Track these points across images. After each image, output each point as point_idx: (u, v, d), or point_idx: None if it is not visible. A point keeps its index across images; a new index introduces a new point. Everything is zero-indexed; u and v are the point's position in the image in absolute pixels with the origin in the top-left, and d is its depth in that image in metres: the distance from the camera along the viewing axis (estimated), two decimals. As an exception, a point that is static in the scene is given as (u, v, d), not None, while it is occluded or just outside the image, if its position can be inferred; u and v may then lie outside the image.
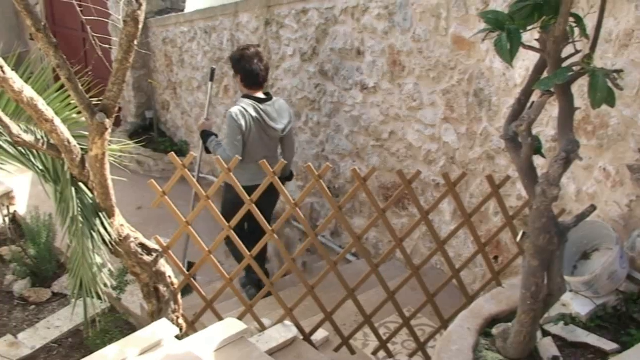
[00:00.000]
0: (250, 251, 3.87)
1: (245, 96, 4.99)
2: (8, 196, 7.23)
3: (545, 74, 2.31)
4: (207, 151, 5.24)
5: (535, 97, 2.42)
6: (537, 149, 2.45)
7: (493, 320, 2.98)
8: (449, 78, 4.71)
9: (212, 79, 5.83)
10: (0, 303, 6.23)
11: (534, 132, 2.45)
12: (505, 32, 2.14)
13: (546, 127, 3.82)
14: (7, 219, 7.02)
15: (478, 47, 4.40)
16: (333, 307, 3.95)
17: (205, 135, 5.19)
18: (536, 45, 2.29)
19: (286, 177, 5.33)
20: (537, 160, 2.58)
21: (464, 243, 4.88)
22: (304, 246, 3.90)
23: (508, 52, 2.12)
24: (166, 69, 8.46)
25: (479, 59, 4.43)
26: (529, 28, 2.20)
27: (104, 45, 3.66)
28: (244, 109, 4.87)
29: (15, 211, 7.28)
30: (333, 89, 5.76)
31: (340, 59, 5.61)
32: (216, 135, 5.16)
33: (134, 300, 5.83)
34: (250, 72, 4.94)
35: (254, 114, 4.88)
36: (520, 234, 2.54)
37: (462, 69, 4.58)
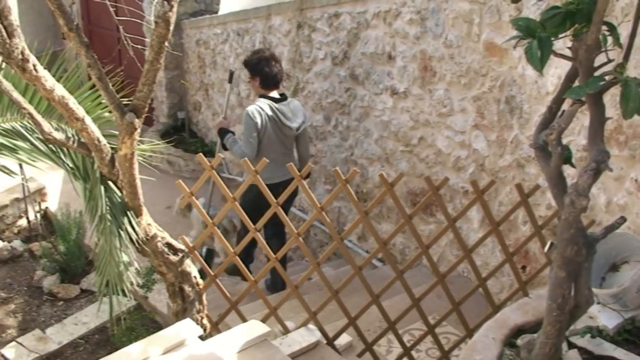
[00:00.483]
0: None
1: (262, 96, 5.17)
2: (40, 192, 7.34)
3: (576, 83, 2.28)
4: (224, 148, 5.39)
5: (566, 105, 2.39)
6: (567, 159, 2.41)
7: (518, 331, 2.94)
8: (480, 84, 4.67)
9: (230, 81, 6.09)
10: (30, 298, 6.32)
11: (565, 141, 2.42)
12: (536, 39, 2.11)
13: (577, 136, 3.76)
14: (38, 215, 7.12)
15: (510, 54, 4.36)
16: (357, 312, 3.93)
17: (223, 132, 5.37)
18: (568, 53, 2.26)
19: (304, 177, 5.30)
20: (567, 170, 2.54)
21: (492, 251, 4.83)
22: (329, 250, 3.89)
23: (538, 59, 2.09)
24: (199, 70, 8.52)
25: (511, 66, 4.38)
26: (560, 36, 2.17)
27: (136, 46, 3.69)
28: (260, 107, 5.04)
29: (46, 207, 7.39)
30: (363, 93, 5.75)
31: (371, 63, 5.60)
32: (233, 133, 5.33)
33: (160, 298, 5.88)
34: (268, 73, 5.15)
35: (270, 112, 5.06)
36: (548, 244, 2.50)
37: (494, 76, 4.54)
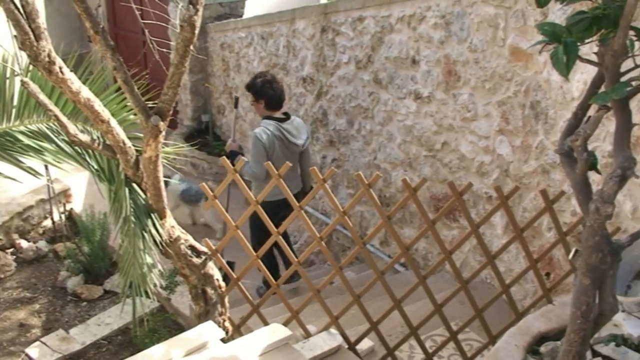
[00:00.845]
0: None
1: (267, 117, 5.39)
2: (65, 194, 7.41)
3: (602, 88, 2.26)
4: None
5: (592, 111, 2.37)
6: (592, 165, 2.39)
7: (542, 338, 2.92)
8: (505, 89, 4.64)
9: (236, 107, 6.34)
10: (54, 298, 6.38)
11: (590, 147, 2.39)
12: (562, 44, 2.10)
13: (603, 142, 3.73)
14: (63, 216, 7.19)
15: (535, 59, 4.33)
16: (379, 317, 3.92)
17: (233, 154, 5.56)
18: (594, 58, 2.24)
19: (305, 192, 5.49)
20: (593, 176, 2.52)
21: (516, 258, 4.80)
22: (352, 255, 3.89)
23: (564, 65, 2.08)
24: (223, 74, 8.57)
25: (536, 71, 4.36)
26: (587, 41, 2.15)
27: (161, 49, 3.72)
28: (267, 129, 5.28)
29: (71, 208, 7.46)
30: (387, 97, 5.75)
31: (395, 67, 5.60)
32: (242, 154, 5.55)
33: (183, 301, 5.91)
34: (272, 96, 5.38)
35: (276, 132, 5.29)
36: (573, 251, 2.49)
37: (519, 81, 4.52)
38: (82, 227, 6.67)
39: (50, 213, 7.18)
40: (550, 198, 3.65)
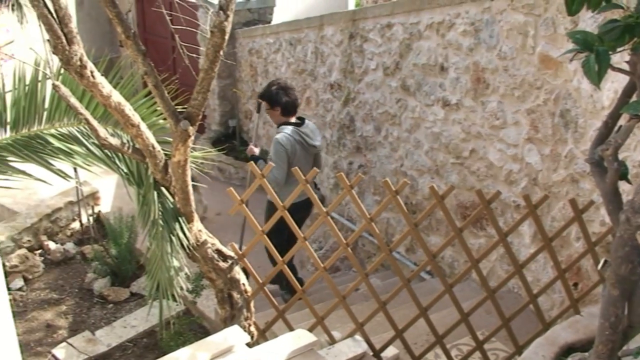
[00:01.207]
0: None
1: (284, 123, 5.53)
2: (94, 196, 7.50)
3: (634, 97, 2.24)
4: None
5: (623, 120, 2.35)
6: (623, 175, 2.38)
7: (569, 349, 2.90)
8: (535, 97, 4.62)
9: (258, 111, 6.46)
10: (81, 300, 6.45)
11: (621, 156, 2.38)
12: (593, 53, 2.09)
13: (633, 152, 3.69)
14: (91, 219, 7.27)
15: (565, 67, 4.30)
16: (404, 325, 3.92)
17: (254, 159, 5.72)
18: (626, 67, 2.23)
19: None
20: (623, 186, 2.50)
21: (543, 268, 4.76)
22: (377, 261, 3.89)
23: (596, 74, 2.07)
24: (250, 79, 8.62)
25: (566, 79, 4.33)
26: (618, 50, 2.14)
27: (191, 55, 3.76)
28: (288, 134, 5.42)
29: (99, 211, 7.54)
30: (414, 104, 5.74)
31: (423, 74, 5.59)
32: (264, 160, 5.64)
33: (208, 304, 5.94)
34: (288, 102, 5.51)
35: (296, 137, 5.44)
36: (602, 261, 2.47)
37: (549, 89, 4.49)
38: (109, 229, 6.74)
39: (79, 215, 7.27)
40: (580, 207, 3.62)
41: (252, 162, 3.87)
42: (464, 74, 5.18)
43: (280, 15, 8.95)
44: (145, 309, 6.21)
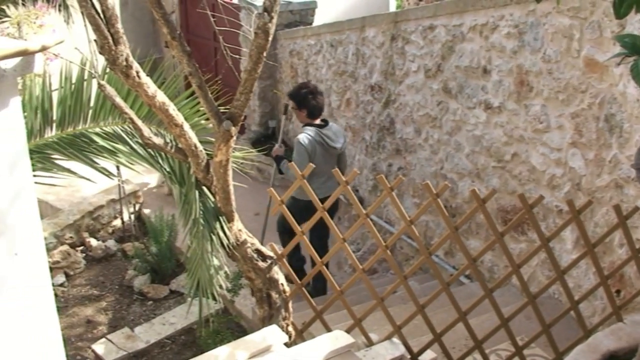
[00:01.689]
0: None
1: (308, 124, 5.87)
2: (135, 194, 7.60)
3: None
4: (280, 172, 6.20)
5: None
6: (670, 181, 2.34)
7: (611, 357, 2.86)
8: (579, 101, 4.56)
9: (285, 113, 7.08)
10: (121, 296, 6.55)
11: (668, 162, 2.34)
12: (642, 57, 2.07)
13: (682, 157, 3.63)
14: (132, 216, 7.38)
15: (611, 71, 4.24)
16: (443, 329, 3.90)
17: (278, 158, 6.17)
18: (675, 72, 2.19)
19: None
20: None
21: (585, 274, 4.70)
22: (417, 264, 3.88)
23: (644, 78, 2.05)
24: (291, 80, 8.66)
25: (612, 83, 4.27)
26: (668, 54, 2.11)
27: (234, 56, 3.80)
28: (309, 134, 5.76)
29: (140, 209, 7.64)
30: (456, 106, 5.71)
31: (465, 76, 5.56)
32: (288, 159, 5.85)
33: (246, 303, 5.99)
34: (314, 106, 5.84)
35: (317, 137, 5.76)
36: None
37: (593, 93, 4.43)
38: (150, 227, 6.83)
39: (120, 213, 7.39)
40: (624, 213, 3.57)
41: (292, 163, 3.89)
42: (507, 77, 5.14)
43: (321, 16, 8.96)
44: (183, 306, 6.28)
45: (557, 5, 4.58)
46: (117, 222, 7.45)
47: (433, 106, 5.99)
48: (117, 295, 6.56)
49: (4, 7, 6.23)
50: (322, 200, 4.76)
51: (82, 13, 6.23)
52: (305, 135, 5.75)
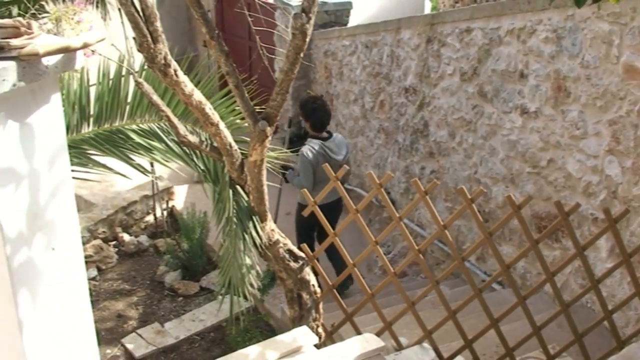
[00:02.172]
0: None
1: (313, 136, 6.13)
2: (168, 191, 7.66)
3: None
4: (286, 180, 6.52)
5: None
6: None
7: (647, 370, 2.80)
8: (617, 108, 4.48)
9: (290, 126, 7.85)
10: (152, 292, 6.60)
11: None
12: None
13: None
14: (165, 213, 7.43)
15: (652, 78, 4.17)
16: (474, 335, 3.86)
17: (284, 168, 6.26)
18: None
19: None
20: None
21: (619, 283, 4.61)
22: (449, 269, 3.84)
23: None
24: (325, 81, 8.65)
25: (652, 91, 4.19)
26: None
27: (270, 56, 3.79)
28: (312, 147, 6.01)
29: (173, 206, 7.69)
30: (491, 110, 5.65)
31: (502, 80, 5.50)
32: (292, 169, 6.33)
33: (275, 302, 6.00)
34: (319, 120, 6.11)
35: (320, 150, 6.01)
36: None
37: (632, 100, 4.35)
38: (182, 224, 6.87)
39: (153, 209, 7.45)
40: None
41: (326, 164, 3.88)
42: (544, 82, 5.07)
43: (354, 17, 8.94)
44: (213, 303, 6.31)
45: (597, 11, 4.50)
46: (150, 218, 7.52)
47: (468, 110, 5.94)
48: (148, 291, 6.62)
49: (43, 2, 6.30)
50: (326, 206, 5.04)
51: (119, 10, 6.28)
52: (309, 149, 6.01)
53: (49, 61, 1.95)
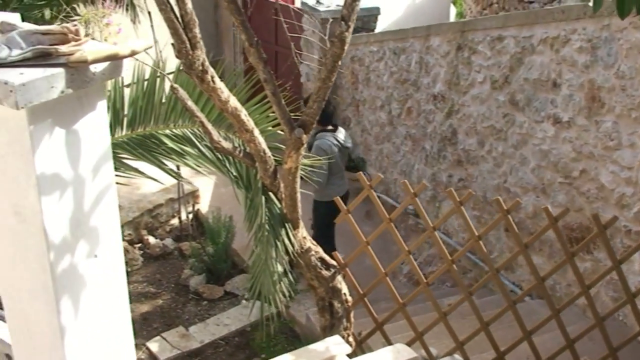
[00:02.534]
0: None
1: (322, 130, 6.25)
2: (194, 194, 7.67)
3: None
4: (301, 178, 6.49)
5: None
6: None
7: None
8: (653, 119, 4.43)
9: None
10: (176, 295, 6.60)
11: None
12: None
13: None
14: (190, 216, 7.44)
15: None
16: (507, 347, 3.82)
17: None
18: None
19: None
20: None
21: (653, 297, 4.55)
22: (482, 281, 3.81)
23: None
24: (351, 87, 8.62)
25: (691, 102, 4.13)
26: None
27: (301, 61, 3.78)
28: (328, 139, 6.19)
29: (198, 209, 7.69)
30: (522, 119, 5.59)
31: (534, 89, 5.44)
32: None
33: (300, 309, 5.98)
34: (325, 114, 5.88)
35: (334, 141, 6.21)
36: None
37: (669, 111, 4.29)
38: (208, 228, 6.87)
39: (179, 212, 7.46)
40: None
41: (360, 173, 3.85)
42: (577, 92, 5.01)
43: (380, 23, 8.91)
44: (238, 308, 6.31)
45: (634, 21, 4.45)
46: (175, 221, 7.53)
47: (498, 118, 5.88)
48: (173, 294, 6.62)
49: (75, 5, 6.36)
50: (343, 197, 5.05)
51: (149, 14, 6.26)
52: (324, 142, 6.17)
53: (96, 68, 1.94)
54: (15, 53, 1.89)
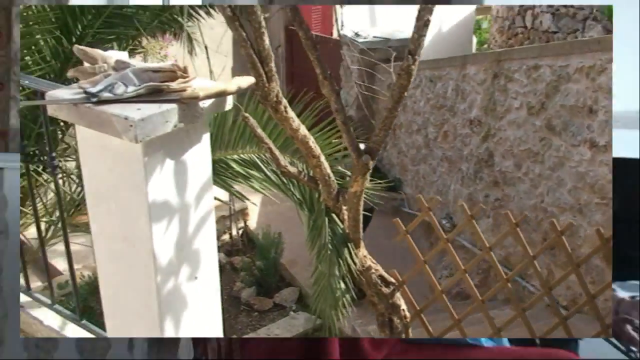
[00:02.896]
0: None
1: None
2: (243, 212, 7.67)
3: None
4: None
5: None
6: None
7: None
8: (691, 144, 4.33)
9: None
10: (229, 307, 6.59)
11: None
12: None
13: None
14: (240, 232, 7.44)
15: None
16: None
17: None
18: None
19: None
20: None
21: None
22: (494, 290, 3.72)
23: None
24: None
25: None
26: None
27: (366, 93, 3.76)
28: None
29: (247, 226, 7.70)
30: (559, 143, 5.51)
31: (570, 115, 5.37)
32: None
33: (344, 322, 5.91)
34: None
35: None
36: None
37: None
38: (258, 244, 6.87)
39: (229, 228, 7.46)
40: None
41: (420, 196, 3.81)
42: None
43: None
44: (287, 319, 6.28)
45: (672, 51, 4.37)
46: (226, 237, 7.53)
47: (535, 142, 5.80)
48: (226, 306, 6.60)
49: (138, 40, 6.41)
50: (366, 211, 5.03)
51: (205, 47, 6.26)
52: None
53: (204, 103, 1.93)
54: (130, 89, 1.88)
